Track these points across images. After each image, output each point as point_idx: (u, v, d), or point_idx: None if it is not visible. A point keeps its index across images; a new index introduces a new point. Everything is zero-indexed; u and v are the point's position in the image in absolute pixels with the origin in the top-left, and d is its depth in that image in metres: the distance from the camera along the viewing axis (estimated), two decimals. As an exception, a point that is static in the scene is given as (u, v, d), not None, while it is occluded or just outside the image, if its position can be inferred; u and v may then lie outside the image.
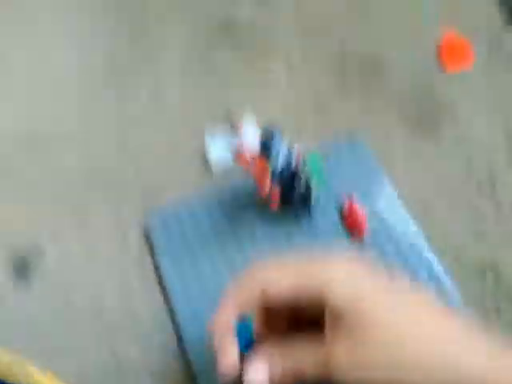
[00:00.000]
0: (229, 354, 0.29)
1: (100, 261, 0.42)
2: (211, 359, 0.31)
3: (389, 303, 0.28)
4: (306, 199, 0.41)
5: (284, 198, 0.41)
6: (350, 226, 0.42)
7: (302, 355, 0.28)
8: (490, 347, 0.27)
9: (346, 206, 0.42)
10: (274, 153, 0.37)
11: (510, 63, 0.50)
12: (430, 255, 0.40)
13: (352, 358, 0.27)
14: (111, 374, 0.38)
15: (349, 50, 0.52)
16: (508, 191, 0.43)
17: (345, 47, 0.52)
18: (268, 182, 0.35)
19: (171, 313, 0.40)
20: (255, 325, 0.31)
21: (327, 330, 0.28)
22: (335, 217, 0.42)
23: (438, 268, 0.40)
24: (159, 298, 0.40)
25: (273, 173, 0.37)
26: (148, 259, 0.42)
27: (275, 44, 0.53)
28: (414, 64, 0.51)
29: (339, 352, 0.27)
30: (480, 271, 0.40)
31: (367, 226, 0.41)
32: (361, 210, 0.41)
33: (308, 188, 0.38)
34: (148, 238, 0.43)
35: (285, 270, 0.30)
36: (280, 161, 0.37)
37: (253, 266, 0.30)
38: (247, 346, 0.30)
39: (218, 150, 0.45)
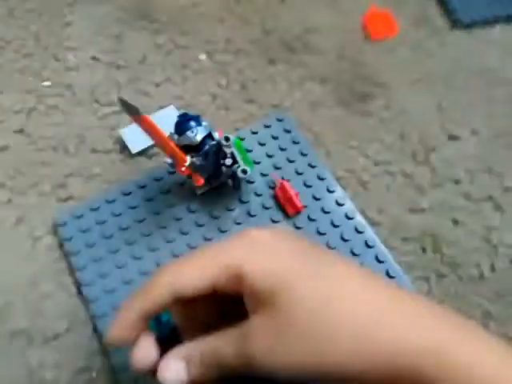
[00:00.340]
0: (142, 348, 0.26)
1: (8, 261, 0.37)
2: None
3: (311, 279, 0.24)
4: (233, 180, 0.38)
5: (210, 179, 0.38)
6: (283, 204, 0.39)
7: (222, 345, 0.25)
8: (430, 314, 0.24)
9: (278, 184, 0.39)
10: (192, 132, 0.34)
11: (434, 33, 0.50)
12: (366, 227, 0.38)
13: (271, 344, 0.24)
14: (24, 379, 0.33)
15: (272, 34, 0.49)
16: (442, 160, 0.43)
17: (268, 31, 0.49)
18: (184, 158, 0.32)
19: (88, 311, 0.35)
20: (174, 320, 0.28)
21: (248, 316, 0.25)
22: (267, 196, 0.40)
23: (375, 239, 0.38)
24: (74, 297, 0.36)
25: (195, 150, 0.34)
26: (60, 255, 0.37)
27: (197, 30, 0.49)
28: (341, 38, 0.49)
29: (257, 339, 0.24)
30: (418, 240, 0.39)
31: (301, 203, 0.39)
32: (292, 188, 0.39)
33: (234, 167, 0.35)
34: (61, 233, 0.37)
35: (194, 260, 0.26)
36: (199, 139, 0.33)
37: (162, 266, 0.27)
38: (169, 334, 0.27)
39: (135, 135, 0.42)
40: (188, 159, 0.32)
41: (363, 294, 0.24)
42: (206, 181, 0.38)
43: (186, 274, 0.26)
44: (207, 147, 0.34)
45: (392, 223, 0.40)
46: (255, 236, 0.26)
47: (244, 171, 0.35)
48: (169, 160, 0.33)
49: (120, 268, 0.36)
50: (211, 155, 0.35)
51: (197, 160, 0.33)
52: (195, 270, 0.26)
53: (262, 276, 0.25)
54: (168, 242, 0.37)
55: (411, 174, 0.42)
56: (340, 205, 0.39)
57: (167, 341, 0.28)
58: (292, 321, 0.24)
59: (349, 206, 0.39)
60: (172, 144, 0.31)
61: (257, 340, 0.24)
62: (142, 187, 0.39)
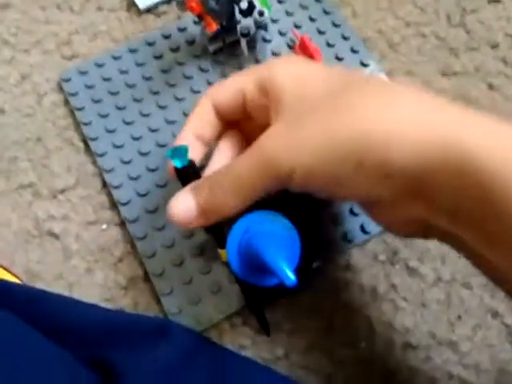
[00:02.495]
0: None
1: (12, 118, 0.35)
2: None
3: (333, 85, 0.23)
4: (248, 40, 0.35)
5: (224, 35, 0.35)
6: (303, 63, 0.36)
7: (237, 161, 0.24)
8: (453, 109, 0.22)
9: (298, 42, 0.36)
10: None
11: None
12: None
13: (287, 139, 0.23)
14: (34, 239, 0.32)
15: None
16: (479, 23, 0.38)
17: None
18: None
19: (96, 166, 0.34)
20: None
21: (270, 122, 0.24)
22: (286, 54, 0.37)
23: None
24: (81, 152, 0.34)
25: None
26: (66, 112, 0.35)
27: None
28: None
29: (272, 139, 0.23)
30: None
31: (322, 60, 0.35)
32: (315, 46, 0.36)
33: (249, 25, 0.32)
34: (66, 88, 0.35)
35: (230, 78, 0.28)
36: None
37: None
38: (188, 165, 0.26)
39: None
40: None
41: (388, 89, 0.23)
42: (220, 37, 0.35)
43: (222, 87, 0.28)
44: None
45: (422, 86, 0.37)
46: (284, 57, 0.29)
47: (261, 13, 0.31)
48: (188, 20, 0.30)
49: (128, 124, 0.34)
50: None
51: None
52: (229, 83, 0.27)
53: (288, 79, 0.24)
54: (178, 99, 0.35)
55: (445, 37, 0.38)
56: (365, 65, 0.36)
57: (186, 173, 0.27)
58: (314, 118, 0.22)
59: (374, 68, 0.36)
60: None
61: (271, 140, 0.23)
62: (150, 44, 0.37)
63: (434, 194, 0.21)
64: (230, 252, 0.25)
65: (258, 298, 0.29)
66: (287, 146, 0.22)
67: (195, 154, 0.27)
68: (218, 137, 0.28)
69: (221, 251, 0.28)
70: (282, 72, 0.25)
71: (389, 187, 0.21)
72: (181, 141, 0.27)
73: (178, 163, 0.26)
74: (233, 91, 0.26)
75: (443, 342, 0.31)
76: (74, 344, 0.25)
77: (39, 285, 0.31)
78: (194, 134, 0.28)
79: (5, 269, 0.31)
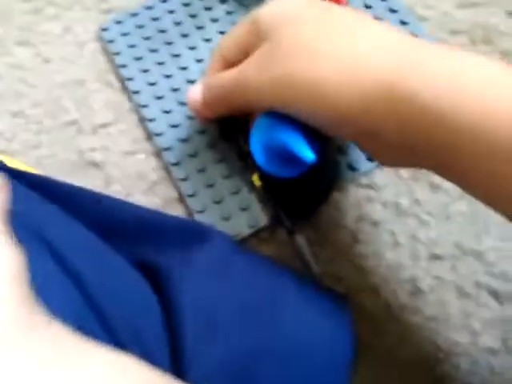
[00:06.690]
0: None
1: (56, 63, 0.38)
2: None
3: (316, 21, 0.26)
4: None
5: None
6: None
7: (224, 73, 0.29)
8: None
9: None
10: None
11: None
12: (412, 21, 0.36)
13: (262, 64, 0.26)
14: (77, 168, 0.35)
15: None
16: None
17: None
18: None
19: (133, 103, 0.36)
20: None
21: None
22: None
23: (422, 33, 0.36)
24: (119, 92, 0.37)
25: None
26: (104, 58, 0.38)
27: None
28: None
29: (250, 62, 0.27)
30: (470, 37, 0.37)
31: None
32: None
33: None
34: (104, 36, 0.38)
35: (235, 27, 0.30)
36: None
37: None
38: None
39: None
40: None
41: (363, 31, 0.25)
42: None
43: (228, 38, 0.31)
44: None
45: (440, 17, 0.37)
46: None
47: None
48: None
49: (160, 64, 0.37)
50: None
51: None
52: (233, 32, 0.31)
53: (270, 15, 0.27)
54: (206, 40, 0.37)
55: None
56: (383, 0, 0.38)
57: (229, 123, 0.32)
58: (287, 43, 0.25)
59: (394, 1, 0.37)
60: None
61: (247, 69, 0.27)
62: (182, -4, 0.40)
63: (386, 134, 0.23)
64: (253, 145, 0.26)
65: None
66: (256, 80, 0.26)
67: None
68: None
69: (253, 177, 0.30)
70: (267, 11, 0.27)
71: (342, 128, 0.24)
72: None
73: None
74: (235, 39, 0.29)
75: (469, 253, 0.31)
76: (118, 241, 0.26)
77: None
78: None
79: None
